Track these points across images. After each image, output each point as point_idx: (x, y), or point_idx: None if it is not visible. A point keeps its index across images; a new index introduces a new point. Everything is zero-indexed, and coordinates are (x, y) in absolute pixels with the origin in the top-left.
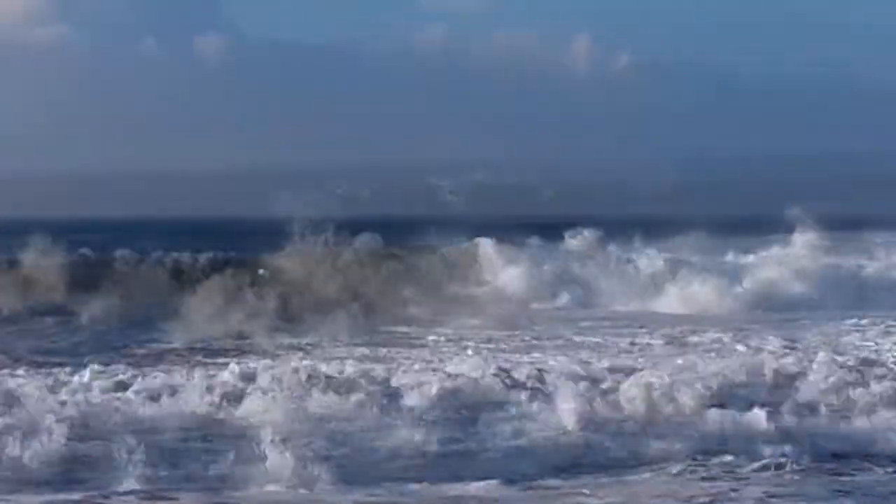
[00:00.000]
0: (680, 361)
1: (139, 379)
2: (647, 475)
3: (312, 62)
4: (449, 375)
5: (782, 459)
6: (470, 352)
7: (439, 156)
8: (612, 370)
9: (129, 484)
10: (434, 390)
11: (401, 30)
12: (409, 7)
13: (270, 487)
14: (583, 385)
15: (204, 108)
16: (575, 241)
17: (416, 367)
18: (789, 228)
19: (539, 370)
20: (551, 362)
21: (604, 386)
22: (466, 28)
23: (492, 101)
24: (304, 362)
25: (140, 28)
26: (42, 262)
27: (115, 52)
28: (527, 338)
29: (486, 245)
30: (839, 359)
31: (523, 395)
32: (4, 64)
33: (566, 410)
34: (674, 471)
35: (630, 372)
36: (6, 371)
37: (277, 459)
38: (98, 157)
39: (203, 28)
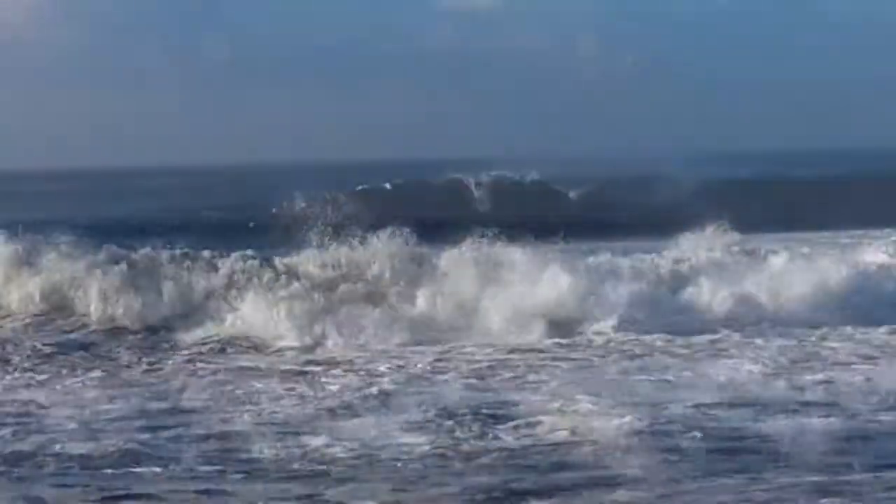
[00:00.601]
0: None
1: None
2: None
3: (324, 61)
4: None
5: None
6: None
7: (457, 154)
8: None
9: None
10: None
11: (413, 28)
12: (422, 5)
13: (281, 485)
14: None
15: (212, 107)
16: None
17: (427, 368)
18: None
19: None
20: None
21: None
22: (479, 26)
23: (502, 98)
24: (320, 359)
25: (142, 28)
26: (64, 261)
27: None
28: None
29: (515, 246)
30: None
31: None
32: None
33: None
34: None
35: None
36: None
37: (284, 455)
38: (103, 155)
39: (210, 28)
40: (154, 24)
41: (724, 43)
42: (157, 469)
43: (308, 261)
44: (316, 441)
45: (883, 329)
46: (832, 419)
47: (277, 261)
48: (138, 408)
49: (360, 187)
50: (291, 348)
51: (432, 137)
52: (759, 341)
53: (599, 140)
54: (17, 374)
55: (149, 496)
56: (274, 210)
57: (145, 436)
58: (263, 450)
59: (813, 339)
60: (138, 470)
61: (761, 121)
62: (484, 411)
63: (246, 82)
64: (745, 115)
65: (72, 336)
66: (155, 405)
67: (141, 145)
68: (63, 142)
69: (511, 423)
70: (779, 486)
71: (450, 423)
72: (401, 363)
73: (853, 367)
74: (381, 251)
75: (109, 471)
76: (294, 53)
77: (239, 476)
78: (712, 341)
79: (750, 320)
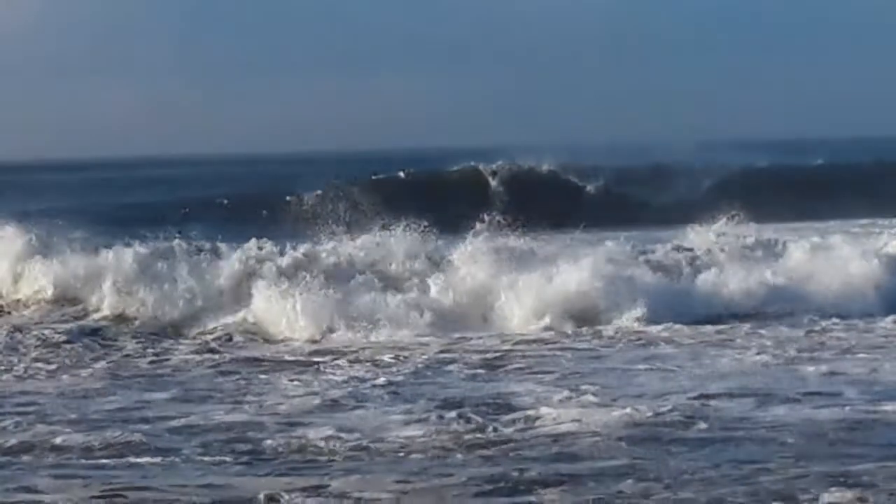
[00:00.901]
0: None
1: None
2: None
3: (335, 51)
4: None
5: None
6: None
7: (470, 143)
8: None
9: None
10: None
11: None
12: None
13: (284, 476)
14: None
15: (225, 97)
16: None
17: (434, 359)
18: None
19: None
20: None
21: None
22: (486, 16)
23: (514, 87)
24: (327, 350)
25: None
26: (76, 250)
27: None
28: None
29: (532, 235)
30: None
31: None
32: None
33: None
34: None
35: None
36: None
37: (287, 446)
38: (114, 146)
39: (220, 17)
40: (166, 15)
41: (735, 29)
42: (159, 460)
43: (321, 251)
44: (320, 432)
45: (890, 318)
46: (838, 409)
47: (290, 250)
48: (141, 398)
49: (374, 176)
50: (299, 339)
51: (446, 127)
52: (765, 331)
53: (613, 129)
54: (23, 364)
55: (150, 488)
56: (287, 199)
57: (147, 427)
58: (267, 441)
59: (819, 328)
60: (140, 461)
61: (769, 110)
62: (489, 402)
63: (258, 71)
64: (753, 103)
65: (81, 325)
66: (158, 396)
67: (153, 135)
68: (74, 132)
69: (515, 414)
70: (786, 477)
71: (454, 413)
72: (407, 354)
73: (859, 356)
74: (394, 241)
75: (111, 462)
76: (304, 42)
77: (241, 467)
78: (719, 331)
79: (759, 310)
